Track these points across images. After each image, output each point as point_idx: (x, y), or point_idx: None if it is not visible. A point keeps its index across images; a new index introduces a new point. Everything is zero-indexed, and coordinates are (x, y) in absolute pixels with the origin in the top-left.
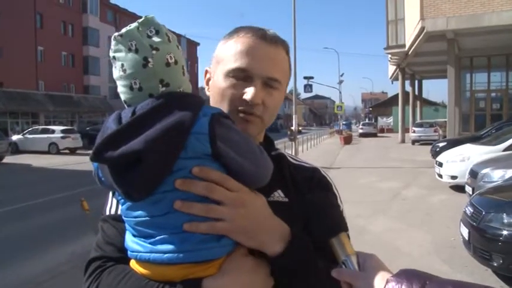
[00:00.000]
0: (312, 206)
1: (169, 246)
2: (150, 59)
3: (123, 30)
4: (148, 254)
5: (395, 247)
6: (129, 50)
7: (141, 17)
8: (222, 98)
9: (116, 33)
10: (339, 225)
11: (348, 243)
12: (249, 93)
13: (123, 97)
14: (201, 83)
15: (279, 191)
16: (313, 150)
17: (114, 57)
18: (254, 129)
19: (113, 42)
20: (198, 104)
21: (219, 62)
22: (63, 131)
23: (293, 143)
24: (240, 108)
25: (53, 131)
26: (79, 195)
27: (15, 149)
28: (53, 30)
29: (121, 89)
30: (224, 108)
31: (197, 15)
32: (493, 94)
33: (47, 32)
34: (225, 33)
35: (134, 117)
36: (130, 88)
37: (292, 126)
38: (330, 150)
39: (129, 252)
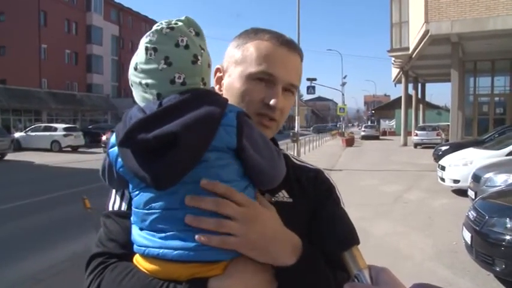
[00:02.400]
0: (323, 219)
1: (181, 243)
2: (199, 57)
3: (173, 24)
4: (157, 250)
5: (397, 250)
6: (177, 45)
7: (145, 17)
8: (241, 100)
9: (164, 26)
10: (351, 238)
11: (360, 256)
12: (273, 98)
13: (157, 90)
14: None
15: (284, 191)
16: (315, 152)
17: (155, 49)
18: (270, 133)
19: (155, 34)
20: (224, 101)
21: (239, 64)
22: (65, 129)
23: (295, 144)
24: (260, 112)
25: (55, 129)
26: (81, 193)
27: (18, 146)
28: (57, 28)
29: (155, 81)
30: (244, 109)
31: (199, 15)
32: (497, 98)
33: (50, 30)
34: (239, 33)
35: (165, 106)
36: (172, 81)
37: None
38: (331, 152)
39: (135, 247)
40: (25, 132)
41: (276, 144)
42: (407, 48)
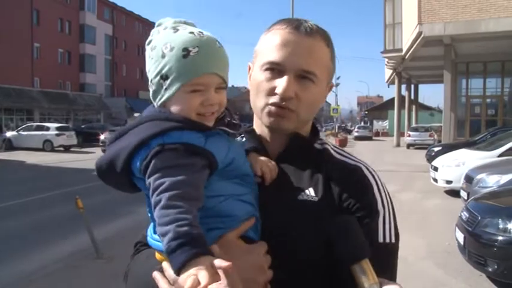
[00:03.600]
0: (335, 229)
1: (158, 236)
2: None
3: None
4: (151, 240)
5: None
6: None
7: (139, 16)
8: (258, 92)
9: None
10: (360, 252)
11: (370, 271)
12: (280, 86)
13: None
14: None
15: (310, 189)
16: None
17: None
18: (288, 124)
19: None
20: (157, 130)
21: (257, 56)
22: (57, 129)
23: None
24: (272, 101)
25: (47, 128)
26: (73, 193)
27: (10, 145)
28: (50, 27)
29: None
30: (259, 101)
31: (193, 14)
32: (489, 100)
33: (43, 29)
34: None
35: (118, 132)
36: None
37: None
38: None
39: (148, 238)
40: (17, 132)
41: (317, 134)
42: (401, 50)
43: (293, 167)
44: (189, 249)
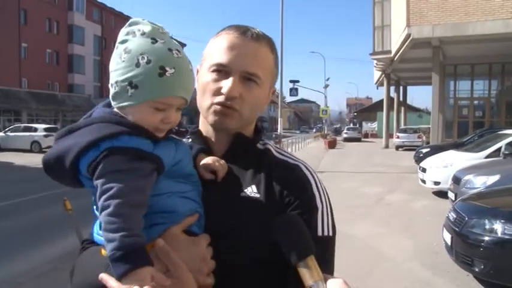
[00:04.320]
0: (280, 227)
1: (101, 232)
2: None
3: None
4: (97, 236)
5: (378, 252)
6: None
7: (128, 16)
8: (204, 92)
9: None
10: (305, 249)
11: (315, 267)
12: (225, 86)
13: None
14: None
15: (253, 187)
16: (297, 153)
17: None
18: (232, 123)
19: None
20: (108, 134)
21: (205, 59)
22: (46, 129)
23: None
24: (216, 101)
25: (35, 129)
26: (61, 194)
27: None
28: (38, 27)
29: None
30: (204, 101)
31: (184, 16)
32: (476, 102)
33: (31, 29)
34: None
35: (67, 129)
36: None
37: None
38: (314, 154)
39: (94, 234)
40: (4, 133)
41: (259, 134)
42: (389, 52)
43: (236, 165)
44: (132, 259)
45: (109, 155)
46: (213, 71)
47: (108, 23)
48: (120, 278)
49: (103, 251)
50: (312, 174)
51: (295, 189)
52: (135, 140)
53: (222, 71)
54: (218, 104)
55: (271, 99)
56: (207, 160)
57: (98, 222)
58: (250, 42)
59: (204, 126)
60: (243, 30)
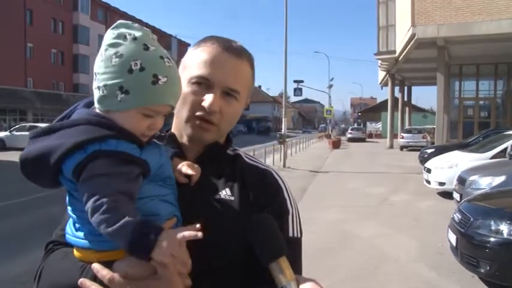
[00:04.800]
0: (252, 227)
1: (81, 234)
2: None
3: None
4: (71, 238)
5: (383, 252)
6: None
7: (132, 16)
8: (183, 103)
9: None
10: (278, 249)
11: (287, 268)
12: (207, 100)
13: None
14: None
15: (227, 189)
16: (301, 153)
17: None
18: (209, 136)
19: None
20: (95, 136)
21: (186, 68)
22: None
23: (282, 146)
24: (197, 114)
25: None
26: (64, 193)
27: (2, 145)
28: (43, 27)
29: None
30: (184, 112)
31: (188, 16)
32: (481, 102)
33: (36, 29)
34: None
35: (48, 127)
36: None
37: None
38: (318, 154)
39: (66, 234)
40: (10, 132)
41: (230, 143)
42: (394, 52)
43: (209, 170)
44: (151, 230)
45: (96, 158)
46: (194, 83)
47: (113, 23)
48: (150, 251)
49: (76, 253)
50: (282, 181)
51: (268, 193)
52: (123, 144)
53: (202, 84)
54: (198, 117)
55: (275, 99)
56: (182, 164)
57: (70, 222)
58: (232, 58)
59: (179, 131)
60: (226, 45)
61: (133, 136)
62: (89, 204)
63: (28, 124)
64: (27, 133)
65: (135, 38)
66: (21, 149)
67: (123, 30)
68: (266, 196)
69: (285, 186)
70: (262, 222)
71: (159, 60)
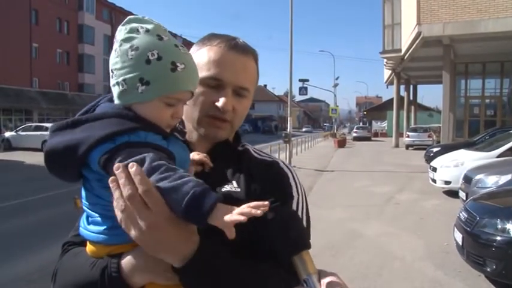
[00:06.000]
0: (274, 222)
1: (95, 228)
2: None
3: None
4: (84, 231)
5: (389, 251)
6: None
7: (137, 16)
8: (194, 103)
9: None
10: (301, 243)
11: (310, 261)
12: (221, 101)
13: None
14: None
15: (234, 182)
16: (307, 152)
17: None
18: (223, 133)
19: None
20: (124, 128)
21: None
22: None
23: (287, 145)
24: (211, 113)
25: (46, 129)
26: (72, 193)
27: (8, 145)
28: (48, 27)
29: None
30: (196, 112)
31: (193, 15)
32: (487, 100)
33: (42, 29)
34: (198, 40)
35: (74, 120)
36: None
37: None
38: (323, 153)
39: (80, 228)
40: (16, 132)
41: (239, 139)
42: (400, 50)
43: (217, 165)
44: (212, 195)
45: (125, 148)
46: (205, 83)
47: (118, 23)
48: (209, 212)
49: (89, 246)
50: (289, 169)
51: (272, 181)
52: (152, 136)
53: (214, 84)
54: (212, 116)
55: (280, 98)
56: (194, 154)
57: (84, 215)
58: (240, 57)
59: (188, 131)
60: (233, 44)
61: (160, 128)
62: (145, 166)
63: (34, 124)
64: (33, 133)
65: (147, 30)
66: (26, 149)
67: (134, 24)
68: (271, 184)
69: (292, 174)
70: (285, 215)
71: (175, 48)
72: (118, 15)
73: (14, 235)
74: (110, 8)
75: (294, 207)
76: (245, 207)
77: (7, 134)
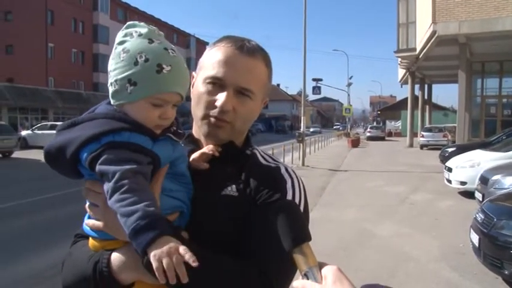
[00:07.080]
0: (276, 214)
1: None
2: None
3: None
4: (84, 226)
5: (403, 252)
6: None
7: (151, 16)
8: (199, 102)
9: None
10: (302, 235)
11: (310, 254)
12: (220, 100)
13: None
14: None
15: (233, 186)
16: (320, 152)
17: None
18: (223, 134)
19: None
20: (109, 129)
21: (201, 68)
22: None
23: (301, 144)
24: (211, 113)
25: None
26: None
27: (25, 144)
28: (64, 27)
29: None
30: (199, 111)
31: (206, 16)
32: (505, 100)
33: (57, 29)
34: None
35: (69, 122)
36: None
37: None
38: (337, 152)
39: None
40: (32, 131)
41: (248, 143)
42: (414, 49)
43: (222, 169)
44: (159, 226)
45: (109, 148)
46: (208, 83)
47: None
48: (147, 246)
49: (91, 241)
50: (289, 174)
51: (269, 186)
52: (136, 136)
53: (216, 83)
54: (212, 116)
55: (293, 98)
56: (197, 153)
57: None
58: (245, 58)
59: (196, 132)
60: (239, 45)
61: (146, 129)
62: (110, 185)
63: (49, 123)
64: (48, 132)
65: (140, 34)
66: (42, 148)
67: (130, 29)
68: (267, 189)
69: (292, 180)
70: (285, 208)
71: (163, 51)
72: (132, 15)
73: (30, 232)
74: (125, 7)
75: None
76: (186, 254)
77: (23, 133)
